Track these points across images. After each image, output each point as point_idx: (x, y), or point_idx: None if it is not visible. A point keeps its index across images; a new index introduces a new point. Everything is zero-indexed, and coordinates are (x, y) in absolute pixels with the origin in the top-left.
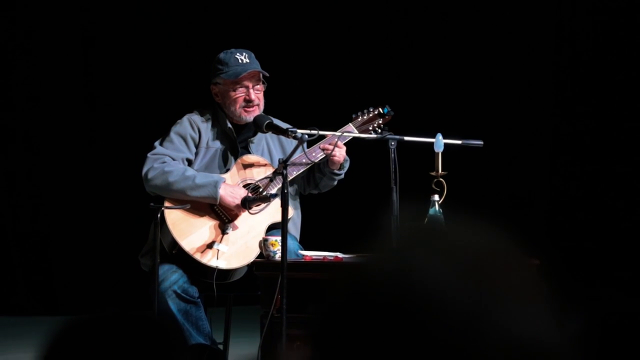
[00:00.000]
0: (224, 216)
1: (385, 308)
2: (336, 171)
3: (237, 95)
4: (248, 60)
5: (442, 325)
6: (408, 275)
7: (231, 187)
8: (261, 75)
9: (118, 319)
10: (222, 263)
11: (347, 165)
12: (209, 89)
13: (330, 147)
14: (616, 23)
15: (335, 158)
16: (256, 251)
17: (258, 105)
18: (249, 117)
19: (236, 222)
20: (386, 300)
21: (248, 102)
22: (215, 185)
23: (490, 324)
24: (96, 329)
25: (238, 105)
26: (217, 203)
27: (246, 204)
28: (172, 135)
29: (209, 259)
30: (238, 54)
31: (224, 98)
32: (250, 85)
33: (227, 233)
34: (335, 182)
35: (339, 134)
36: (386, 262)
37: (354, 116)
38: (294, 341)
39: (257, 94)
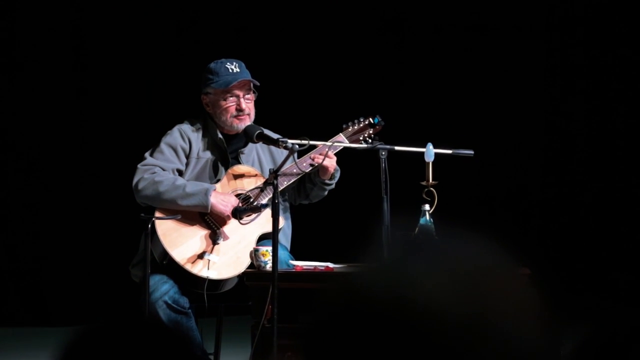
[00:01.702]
0: (215, 226)
1: (377, 320)
2: (327, 181)
3: (228, 105)
4: (238, 70)
5: (435, 337)
6: (401, 288)
7: (222, 194)
8: (252, 84)
9: (131, 326)
10: (213, 273)
11: (337, 175)
12: (200, 99)
13: (321, 157)
14: (608, 23)
15: (328, 167)
16: (247, 261)
17: (249, 114)
18: (241, 126)
19: (227, 232)
20: (378, 313)
21: (239, 111)
22: (206, 194)
23: (485, 336)
24: (109, 337)
25: (229, 115)
26: (208, 211)
27: (237, 214)
28: (163, 145)
29: (200, 270)
30: (228, 63)
31: (214, 108)
32: (241, 94)
33: (217, 243)
34: (326, 192)
35: (330, 144)
36: (379, 274)
37: (344, 126)
38: (285, 351)
39: (247, 103)
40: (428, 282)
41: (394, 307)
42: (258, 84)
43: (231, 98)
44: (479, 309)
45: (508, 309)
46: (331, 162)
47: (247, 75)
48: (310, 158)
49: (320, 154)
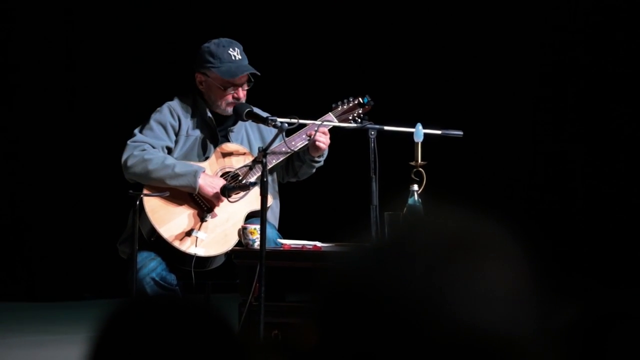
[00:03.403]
0: (203, 204)
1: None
2: (316, 158)
3: (227, 93)
4: (240, 57)
5: (403, 313)
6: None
7: (210, 177)
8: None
9: (172, 302)
10: (201, 250)
11: (325, 153)
12: (190, 75)
13: (322, 130)
14: (600, 10)
15: (320, 144)
16: (235, 239)
17: (242, 101)
18: (232, 110)
19: (215, 210)
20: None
21: (236, 99)
22: (195, 175)
23: (449, 312)
24: (152, 312)
25: (224, 102)
26: (196, 193)
27: (225, 192)
28: (152, 122)
29: (188, 247)
30: (230, 49)
31: (209, 90)
32: (241, 84)
33: (206, 221)
34: (314, 170)
35: (319, 123)
36: (372, 254)
37: (333, 105)
38: (271, 329)
39: (244, 92)
40: (419, 262)
41: (385, 289)
42: (259, 74)
43: (230, 87)
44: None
45: (481, 291)
46: (325, 139)
47: (250, 67)
48: (305, 134)
49: (317, 131)
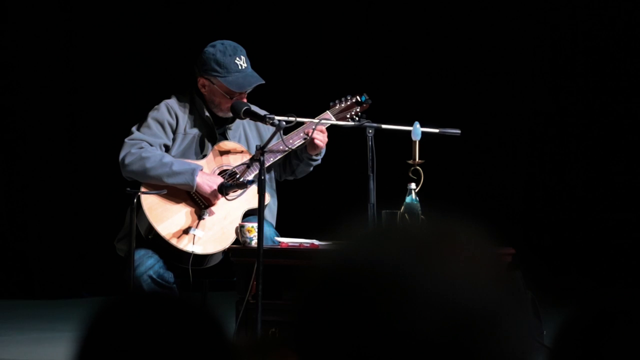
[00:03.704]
0: (201, 202)
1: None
2: (314, 157)
3: (229, 102)
4: (246, 65)
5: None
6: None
7: (208, 175)
8: None
9: (161, 299)
10: (198, 248)
11: (323, 151)
12: (188, 73)
13: (321, 129)
14: (598, 8)
15: (318, 142)
16: (232, 237)
17: None
18: (231, 115)
19: (213, 207)
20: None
21: None
22: (192, 173)
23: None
24: (136, 309)
25: (225, 107)
26: (193, 191)
27: (223, 190)
28: (150, 120)
29: (185, 244)
30: (237, 58)
31: (212, 95)
32: (245, 92)
33: (203, 218)
34: (312, 168)
35: (317, 121)
36: (351, 248)
37: (331, 104)
38: (269, 327)
39: (245, 97)
40: (387, 252)
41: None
42: (264, 82)
43: (235, 95)
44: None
45: (459, 274)
46: (323, 137)
47: (257, 78)
48: (303, 133)
49: (311, 129)
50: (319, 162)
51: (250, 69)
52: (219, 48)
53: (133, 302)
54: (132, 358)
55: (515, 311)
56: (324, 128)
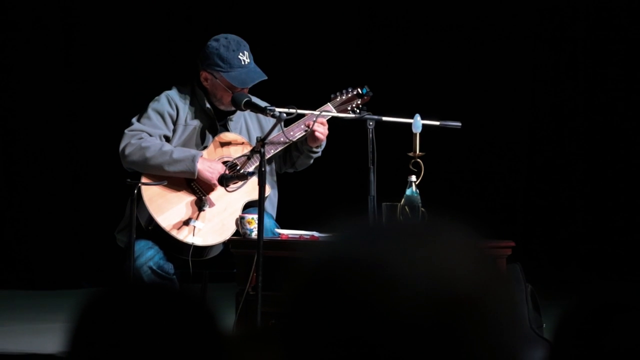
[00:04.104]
0: (201, 192)
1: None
2: (314, 149)
3: (231, 96)
4: (248, 60)
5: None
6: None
7: (209, 161)
8: None
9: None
10: (198, 240)
11: (323, 144)
12: (189, 65)
13: (322, 121)
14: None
15: (318, 135)
16: (232, 229)
17: None
18: (232, 108)
19: (213, 199)
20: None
21: None
22: (193, 160)
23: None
24: (128, 300)
25: (227, 101)
26: (195, 177)
27: (223, 181)
28: (150, 111)
29: (185, 236)
30: (240, 53)
31: (214, 89)
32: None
33: (203, 210)
34: (312, 161)
35: (318, 113)
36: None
37: (332, 96)
38: (269, 319)
39: (247, 91)
40: (397, 252)
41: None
42: (266, 78)
43: (237, 91)
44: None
45: (446, 266)
46: (323, 130)
47: (260, 74)
48: (304, 125)
49: (317, 122)
50: (319, 154)
51: (253, 64)
52: (223, 43)
53: (123, 293)
54: (122, 348)
55: (502, 296)
56: (324, 120)
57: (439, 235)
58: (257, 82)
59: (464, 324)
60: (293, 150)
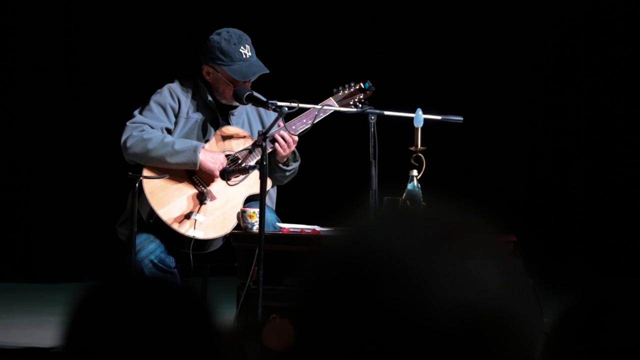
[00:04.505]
0: (202, 186)
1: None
2: (281, 165)
3: (234, 88)
4: (250, 54)
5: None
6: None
7: (211, 152)
8: None
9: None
10: (199, 233)
11: (295, 165)
12: (191, 58)
13: (284, 134)
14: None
15: (279, 149)
16: (233, 222)
17: None
18: (235, 102)
19: (214, 192)
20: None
21: None
22: (195, 151)
23: (440, 287)
24: (124, 293)
25: (229, 95)
26: (197, 168)
27: (225, 175)
28: (152, 104)
29: (186, 229)
30: (241, 47)
31: (216, 83)
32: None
33: (205, 203)
34: (287, 175)
35: (320, 107)
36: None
37: (335, 90)
38: (270, 313)
39: (249, 85)
40: (398, 242)
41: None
42: (268, 72)
43: (238, 85)
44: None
45: (472, 263)
46: (288, 145)
47: (262, 67)
48: (306, 119)
49: (281, 134)
50: (292, 171)
51: (255, 58)
52: (224, 36)
53: (117, 287)
54: (116, 342)
55: (525, 309)
56: (286, 134)
57: (472, 239)
58: (258, 75)
59: (492, 342)
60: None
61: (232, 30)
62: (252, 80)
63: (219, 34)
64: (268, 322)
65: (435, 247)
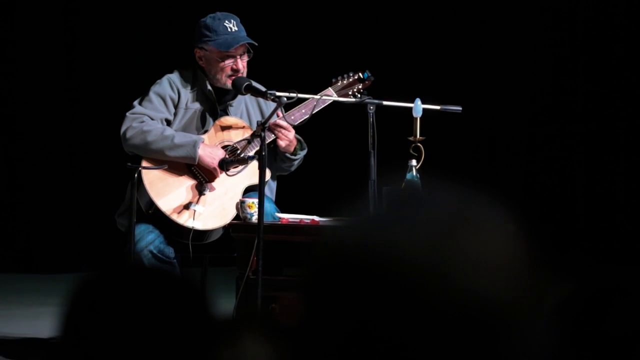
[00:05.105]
0: (201, 177)
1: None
2: (288, 155)
3: (225, 65)
4: (236, 29)
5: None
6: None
7: (210, 147)
8: (247, 44)
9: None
10: (198, 224)
11: (302, 153)
12: (190, 49)
13: (279, 122)
14: None
15: (280, 141)
16: (233, 213)
17: (242, 73)
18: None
19: (213, 183)
20: (352, 265)
21: (234, 71)
22: (194, 145)
23: (449, 281)
24: (121, 282)
25: (224, 75)
26: (196, 163)
27: (224, 165)
28: (151, 95)
29: (185, 220)
30: (226, 21)
31: (209, 64)
32: (239, 55)
33: (204, 194)
34: (293, 164)
35: (318, 97)
36: (354, 227)
37: (333, 80)
38: (269, 303)
39: (243, 63)
40: (402, 231)
41: (366, 259)
42: (256, 44)
43: (229, 59)
44: (449, 257)
45: (481, 258)
46: (287, 136)
47: (246, 37)
48: (305, 109)
49: (279, 124)
50: (298, 159)
51: (242, 32)
52: (210, 15)
53: (113, 277)
54: (115, 332)
55: (529, 296)
56: (289, 126)
57: (481, 231)
58: (242, 43)
59: (495, 329)
60: (277, 154)
61: (220, 12)
62: (244, 58)
63: (205, 16)
64: (271, 308)
65: (443, 238)
